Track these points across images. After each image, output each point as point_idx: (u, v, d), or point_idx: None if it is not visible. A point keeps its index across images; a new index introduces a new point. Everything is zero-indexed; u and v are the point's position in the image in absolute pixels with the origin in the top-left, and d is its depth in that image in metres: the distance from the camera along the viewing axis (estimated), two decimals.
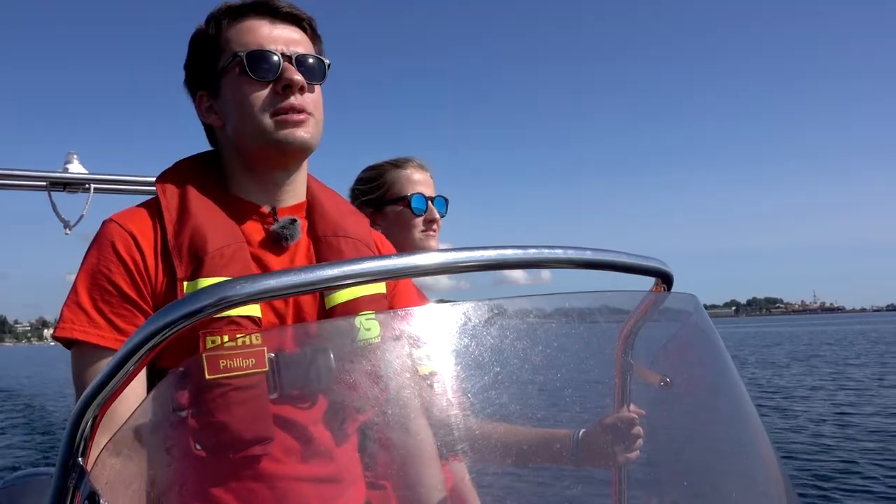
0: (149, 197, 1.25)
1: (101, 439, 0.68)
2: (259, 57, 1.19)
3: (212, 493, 0.98)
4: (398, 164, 1.91)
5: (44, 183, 3.18)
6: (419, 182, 1.88)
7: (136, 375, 0.66)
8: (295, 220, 1.24)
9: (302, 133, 1.20)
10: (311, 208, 1.31)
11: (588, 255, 0.82)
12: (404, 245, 1.84)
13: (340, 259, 1.24)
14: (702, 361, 0.98)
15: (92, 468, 0.66)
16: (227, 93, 1.23)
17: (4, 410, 20.34)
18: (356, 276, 0.67)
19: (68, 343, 1.13)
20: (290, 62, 1.21)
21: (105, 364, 1.08)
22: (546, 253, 0.78)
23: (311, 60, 1.24)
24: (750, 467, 0.95)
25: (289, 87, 1.19)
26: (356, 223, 1.34)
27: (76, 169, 3.25)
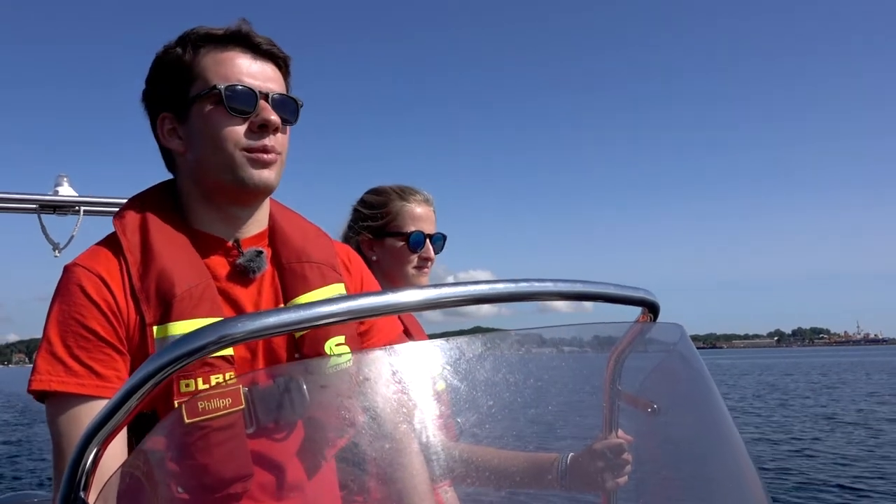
0: None
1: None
2: (238, 92, 1.17)
3: None
4: (404, 195, 1.93)
5: (34, 206, 3.18)
6: (421, 218, 1.91)
7: (137, 412, 0.67)
8: (261, 252, 1.22)
9: (268, 174, 1.20)
10: (273, 235, 1.29)
11: (578, 288, 0.84)
12: (395, 277, 1.88)
13: (306, 285, 1.25)
14: (687, 389, 1.00)
15: None
16: (197, 121, 1.20)
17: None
18: (353, 313, 0.69)
19: (43, 396, 1.08)
20: (267, 101, 1.20)
21: (87, 412, 1.07)
22: (537, 286, 0.81)
23: (287, 101, 1.23)
24: (734, 492, 0.97)
25: (265, 127, 1.18)
26: (319, 246, 1.32)
27: (66, 192, 3.26)
